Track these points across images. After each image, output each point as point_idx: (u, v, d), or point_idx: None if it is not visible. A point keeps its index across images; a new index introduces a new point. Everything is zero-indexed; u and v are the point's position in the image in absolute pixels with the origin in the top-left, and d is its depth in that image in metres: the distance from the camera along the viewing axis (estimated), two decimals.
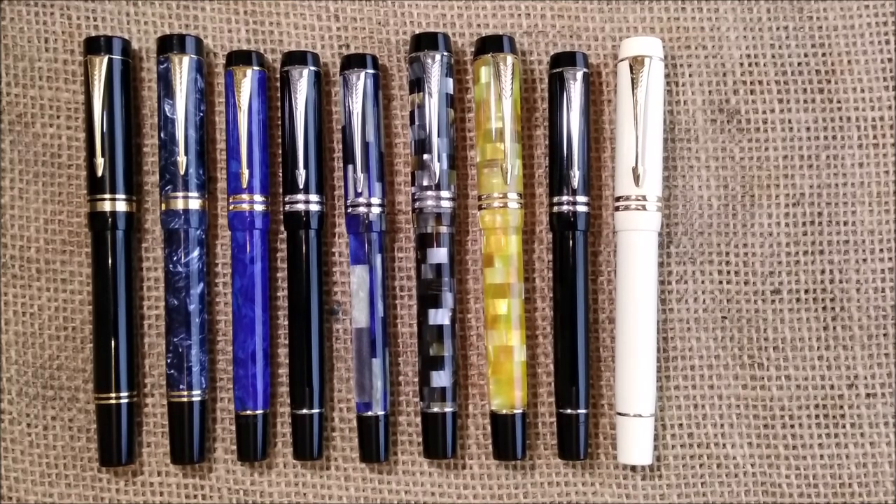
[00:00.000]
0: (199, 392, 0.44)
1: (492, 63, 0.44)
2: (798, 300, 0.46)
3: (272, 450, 0.46)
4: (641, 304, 0.43)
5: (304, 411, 0.44)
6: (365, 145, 0.44)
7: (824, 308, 0.46)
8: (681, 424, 0.45)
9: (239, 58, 0.45)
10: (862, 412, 0.45)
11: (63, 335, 0.46)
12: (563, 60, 0.45)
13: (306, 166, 0.44)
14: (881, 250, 0.45)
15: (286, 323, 0.46)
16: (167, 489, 0.45)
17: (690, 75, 0.46)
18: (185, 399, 0.44)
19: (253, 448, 0.44)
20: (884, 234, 0.46)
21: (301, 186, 0.44)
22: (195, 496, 0.45)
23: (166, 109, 0.44)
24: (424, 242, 0.44)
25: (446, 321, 0.44)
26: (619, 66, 0.45)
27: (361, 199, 0.44)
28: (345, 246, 0.46)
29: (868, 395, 0.45)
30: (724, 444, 0.45)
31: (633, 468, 0.45)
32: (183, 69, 0.44)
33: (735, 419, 0.45)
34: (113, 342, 0.44)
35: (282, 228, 0.46)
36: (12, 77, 0.46)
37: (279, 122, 0.46)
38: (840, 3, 0.46)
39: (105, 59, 0.44)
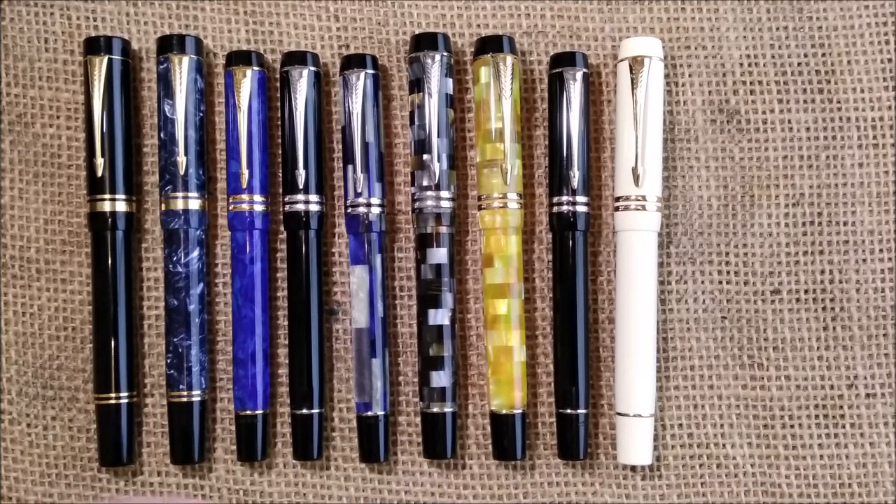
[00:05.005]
0: (199, 392, 0.44)
1: (491, 63, 0.44)
2: (798, 300, 0.46)
3: (272, 450, 0.46)
4: (641, 304, 0.43)
5: (304, 411, 0.44)
6: (365, 145, 0.44)
7: (824, 308, 0.46)
8: (681, 424, 0.45)
9: (239, 58, 0.45)
10: (862, 412, 0.45)
11: (63, 335, 0.46)
12: (563, 60, 0.45)
13: (306, 166, 0.44)
14: (881, 250, 0.45)
15: (286, 323, 0.46)
16: (167, 489, 0.45)
17: (690, 75, 0.46)
18: (185, 399, 0.44)
19: (253, 448, 0.44)
20: (884, 234, 0.46)
21: (301, 186, 0.44)
22: (195, 496, 0.45)
23: (166, 109, 0.44)
24: (424, 242, 0.44)
25: (446, 321, 0.44)
26: (618, 67, 0.45)
27: (361, 200, 0.44)
28: (345, 246, 0.46)
29: (868, 395, 0.45)
30: (724, 444, 0.45)
31: (633, 468, 0.45)
32: (183, 69, 0.44)
33: (735, 419, 0.45)
34: (113, 342, 0.44)
35: (282, 228, 0.46)
36: (12, 77, 0.46)
37: (279, 122, 0.46)
38: (840, 3, 0.46)
39: (105, 60, 0.44)
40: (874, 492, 0.45)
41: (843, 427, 0.45)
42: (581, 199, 0.44)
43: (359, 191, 0.44)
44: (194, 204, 0.44)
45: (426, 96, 0.44)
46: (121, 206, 0.44)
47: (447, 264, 0.44)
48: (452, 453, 0.44)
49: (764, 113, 0.46)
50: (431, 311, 0.44)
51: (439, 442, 0.44)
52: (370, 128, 0.45)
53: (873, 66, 0.46)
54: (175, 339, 0.44)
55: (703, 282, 0.46)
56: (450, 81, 0.44)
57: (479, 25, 0.47)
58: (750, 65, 0.46)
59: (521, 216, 0.44)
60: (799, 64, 0.46)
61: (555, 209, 0.44)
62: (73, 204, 0.46)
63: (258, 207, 0.45)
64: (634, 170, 0.44)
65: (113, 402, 0.44)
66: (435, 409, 0.44)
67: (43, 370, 0.46)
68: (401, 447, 0.46)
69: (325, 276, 0.46)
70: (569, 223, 0.44)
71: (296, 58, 0.45)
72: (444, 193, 0.44)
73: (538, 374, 0.46)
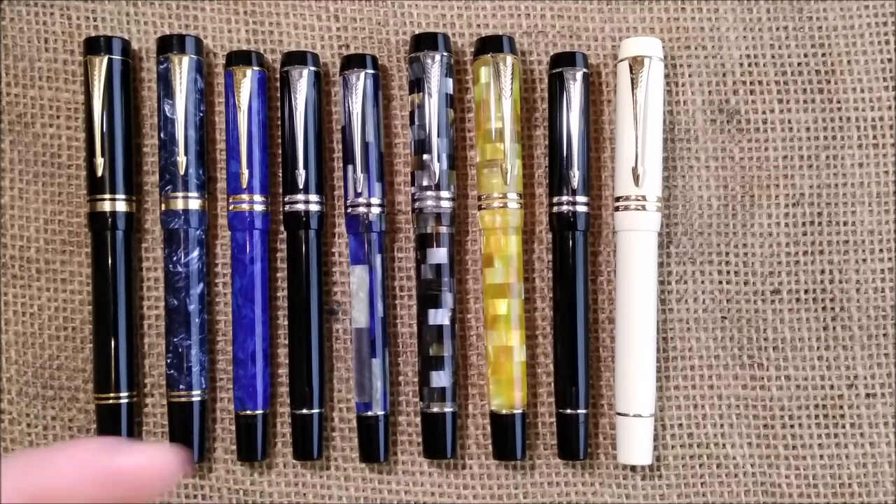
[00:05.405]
0: (199, 392, 0.44)
1: (491, 63, 0.44)
2: (798, 300, 0.46)
3: (272, 450, 0.46)
4: (641, 304, 0.43)
5: (304, 411, 0.44)
6: (365, 145, 0.44)
7: (824, 308, 0.46)
8: (681, 424, 0.45)
9: (239, 58, 0.45)
10: (862, 412, 0.45)
11: (63, 335, 0.46)
12: (563, 60, 0.45)
13: (306, 166, 0.44)
14: (881, 250, 0.45)
15: (286, 323, 0.46)
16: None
17: (690, 75, 0.46)
18: (185, 399, 0.44)
19: (253, 448, 0.44)
20: (884, 234, 0.46)
21: (301, 186, 0.44)
22: (195, 496, 0.46)
23: (166, 109, 0.44)
24: (424, 242, 0.44)
25: (446, 321, 0.44)
26: (618, 67, 0.45)
27: (361, 200, 0.44)
28: (345, 246, 0.46)
29: (868, 395, 0.45)
30: (724, 444, 0.45)
31: (633, 468, 0.45)
32: (183, 69, 0.44)
33: (735, 419, 0.45)
34: (113, 342, 0.44)
35: (282, 228, 0.46)
36: (12, 77, 0.46)
37: (279, 122, 0.46)
38: (840, 3, 0.46)
39: (105, 59, 0.44)
40: (874, 492, 0.45)
41: (843, 427, 0.45)
42: (581, 199, 0.44)
43: (359, 191, 0.44)
44: (194, 204, 0.44)
45: (426, 96, 0.44)
46: (121, 206, 0.44)
47: (447, 264, 0.44)
48: (452, 453, 0.44)
49: (764, 113, 0.46)
50: (431, 311, 0.44)
51: (439, 442, 0.44)
52: (370, 128, 0.45)
53: (873, 66, 0.46)
54: (175, 339, 0.44)
55: (703, 282, 0.46)
56: (450, 81, 0.44)
57: (479, 25, 0.47)
58: (750, 65, 0.46)
59: (521, 216, 0.44)
60: (799, 64, 0.46)
61: (555, 209, 0.44)
62: (73, 204, 0.46)
63: (258, 207, 0.45)
64: (634, 170, 0.44)
65: (113, 402, 0.44)
66: (435, 409, 0.44)
67: (43, 370, 0.46)
68: (401, 447, 0.46)
69: (325, 276, 0.46)
70: (569, 223, 0.44)
71: (296, 58, 0.45)
72: (444, 193, 0.44)
73: (538, 374, 0.46)
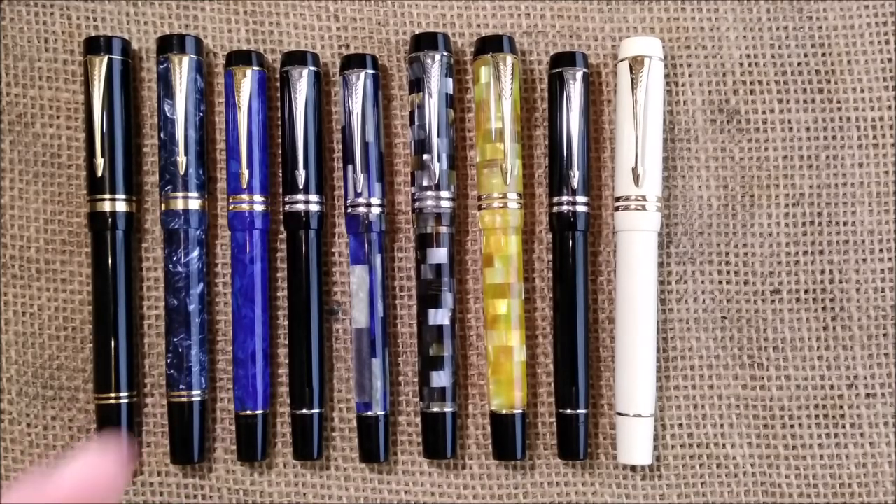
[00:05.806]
0: (199, 392, 0.44)
1: (491, 63, 0.44)
2: (798, 300, 0.46)
3: (272, 450, 0.46)
4: (641, 304, 0.43)
5: (304, 411, 0.44)
6: (365, 145, 0.44)
7: (824, 308, 0.46)
8: (681, 424, 0.45)
9: (239, 58, 0.45)
10: (862, 412, 0.45)
11: (63, 335, 0.46)
12: (563, 60, 0.45)
13: (306, 166, 0.44)
14: (881, 250, 0.45)
15: (286, 323, 0.46)
16: (167, 489, 0.46)
17: (690, 75, 0.46)
18: (185, 399, 0.44)
19: (253, 448, 0.44)
20: (884, 234, 0.46)
21: (301, 186, 0.44)
22: (195, 496, 0.46)
23: (166, 109, 0.44)
24: (424, 242, 0.44)
25: (446, 321, 0.44)
26: (618, 66, 0.45)
27: (361, 200, 0.44)
28: (345, 246, 0.46)
29: (868, 395, 0.45)
30: (724, 444, 0.45)
31: (633, 468, 0.45)
32: (183, 69, 0.44)
33: (735, 419, 0.45)
34: (113, 342, 0.44)
35: (282, 228, 0.46)
36: (12, 77, 0.46)
37: (279, 122, 0.46)
38: (840, 3, 0.46)
39: (105, 59, 0.44)
40: (874, 492, 0.45)
41: (843, 427, 0.45)
42: (581, 199, 0.44)
43: (359, 191, 0.44)
44: (194, 204, 0.44)
45: (426, 96, 0.44)
46: (121, 206, 0.44)
47: (447, 264, 0.44)
48: (452, 453, 0.44)
49: (764, 113, 0.46)
50: (431, 311, 0.44)
51: (439, 442, 0.44)
52: (370, 128, 0.45)
53: (873, 66, 0.46)
54: (175, 339, 0.44)
55: (703, 282, 0.46)
56: (450, 81, 0.44)
57: (479, 25, 0.47)
58: (750, 65, 0.46)
59: (521, 216, 0.44)
60: (799, 64, 0.46)
61: (555, 209, 0.44)
62: (73, 204, 0.46)
63: (258, 207, 0.45)
64: (634, 170, 0.44)
65: (113, 402, 0.44)
66: (435, 409, 0.44)
67: (43, 370, 0.46)
68: (401, 447, 0.46)
69: (325, 276, 0.46)
70: (569, 223, 0.44)
71: (296, 58, 0.45)
72: (444, 193, 0.44)
73: (538, 374, 0.46)
